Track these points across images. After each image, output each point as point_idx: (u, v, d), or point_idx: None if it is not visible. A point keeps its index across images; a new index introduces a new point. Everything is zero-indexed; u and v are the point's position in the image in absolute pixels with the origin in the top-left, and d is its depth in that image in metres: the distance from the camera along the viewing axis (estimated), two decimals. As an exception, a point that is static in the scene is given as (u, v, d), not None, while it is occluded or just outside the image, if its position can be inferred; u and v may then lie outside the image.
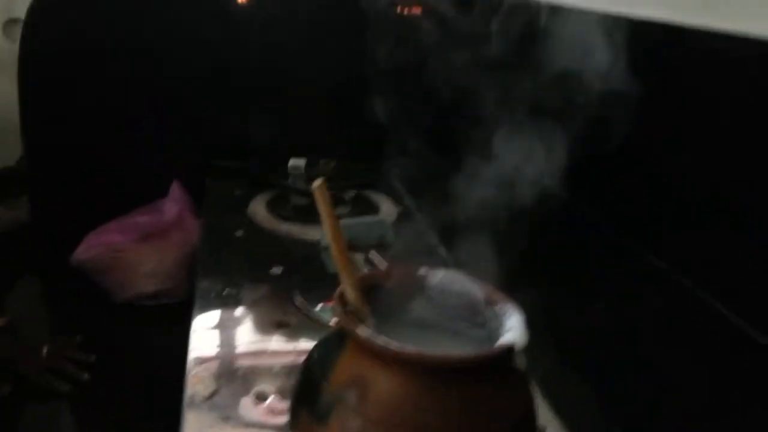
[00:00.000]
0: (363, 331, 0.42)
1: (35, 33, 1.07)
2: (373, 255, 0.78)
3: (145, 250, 0.99)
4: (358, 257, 0.79)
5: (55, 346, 0.85)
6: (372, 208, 0.98)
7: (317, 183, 0.44)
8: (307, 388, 0.46)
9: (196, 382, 0.55)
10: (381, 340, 0.41)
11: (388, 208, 1.00)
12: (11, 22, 1.61)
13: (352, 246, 0.84)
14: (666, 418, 0.53)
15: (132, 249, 0.99)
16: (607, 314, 0.66)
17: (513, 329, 0.44)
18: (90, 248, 1.00)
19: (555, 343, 0.68)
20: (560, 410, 0.57)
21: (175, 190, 1.07)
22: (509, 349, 0.42)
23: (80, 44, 1.08)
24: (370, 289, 0.50)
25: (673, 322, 0.54)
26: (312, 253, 0.83)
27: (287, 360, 0.60)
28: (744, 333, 0.46)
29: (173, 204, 1.05)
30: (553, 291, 0.80)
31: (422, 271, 0.52)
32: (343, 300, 0.45)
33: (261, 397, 0.55)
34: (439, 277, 0.52)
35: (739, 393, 0.46)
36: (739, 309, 0.47)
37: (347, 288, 0.46)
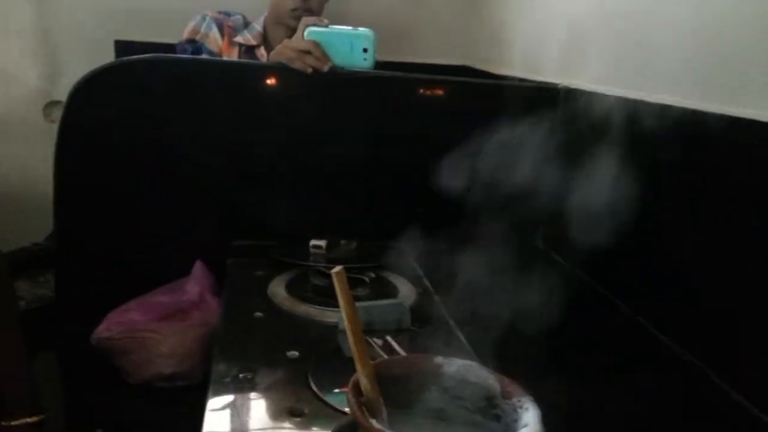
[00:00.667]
0: (375, 424, 0.41)
1: (75, 116, 1.12)
2: (390, 340, 0.77)
3: (165, 330, 0.99)
4: (376, 341, 0.79)
5: None
6: (391, 290, 0.98)
7: (336, 270, 0.45)
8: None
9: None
10: (392, 435, 0.40)
11: (407, 291, 0.99)
12: (51, 104, 1.70)
13: (370, 329, 0.84)
14: None
15: (152, 329, 0.99)
16: (629, 404, 0.64)
17: (529, 425, 0.43)
18: (110, 327, 1.00)
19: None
20: None
21: (198, 269, 1.08)
22: (526, 449, 0.41)
23: (115, 128, 1.14)
24: (385, 377, 0.49)
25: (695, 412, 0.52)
26: (329, 335, 0.83)
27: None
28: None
29: (195, 283, 1.06)
30: (575, 381, 0.78)
31: (438, 359, 0.51)
32: (356, 390, 0.45)
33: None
34: (455, 366, 0.51)
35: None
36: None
37: (362, 378, 0.45)
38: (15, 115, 1.69)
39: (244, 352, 0.78)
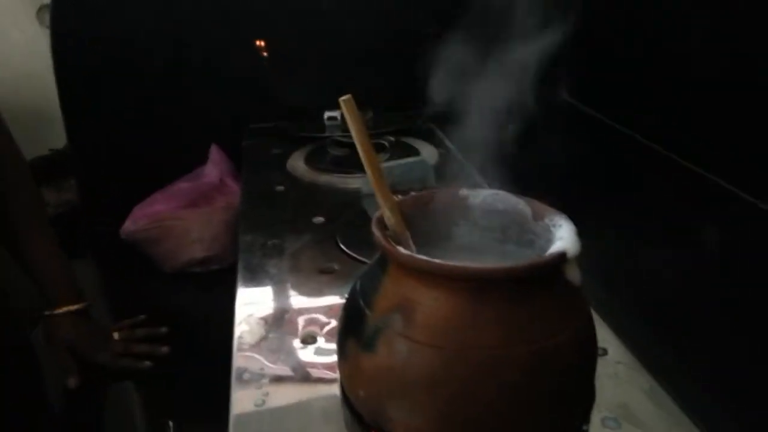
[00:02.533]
0: (403, 251, 0.39)
1: (63, 16, 1.07)
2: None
3: (191, 216, 0.99)
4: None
5: (125, 331, 0.82)
6: (412, 152, 0.95)
7: (344, 97, 0.42)
8: (353, 318, 0.44)
9: (244, 330, 0.55)
10: (422, 258, 0.38)
11: (428, 152, 0.97)
12: (44, 8, 1.63)
13: (393, 190, 0.81)
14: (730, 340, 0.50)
15: (177, 217, 0.99)
16: (669, 236, 0.62)
17: (564, 239, 0.41)
18: (137, 220, 1.01)
19: (610, 268, 0.64)
20: (620, 332, 0.53)
21: (214, 153, 1.06)
22: (561, 257, 0.39)
23: (112, 23, 1.09)
24: (409, 213, 0.47)
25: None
26: (353, 200, 0.81)
27: (333, 303, 0.58)
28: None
29: (213, 167, 1.04)
30: (607, 215, 0.75)
31: (463, 192, 0.49)
32: (381, 224, 0.43)
33: (309, 340, 0.53)
34: (481, 196, 0.49)
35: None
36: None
37: (386, 211, 0.43)
38: (12, 27, 1.63)
39: (270, 223, 0.77)
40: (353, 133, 0.41)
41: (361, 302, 0.43)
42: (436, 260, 0.38)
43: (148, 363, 0.77)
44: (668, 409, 0.45)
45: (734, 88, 0.53)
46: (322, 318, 0.57)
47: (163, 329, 0.83)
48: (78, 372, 0.75)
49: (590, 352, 0.44)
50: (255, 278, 0.64)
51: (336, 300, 0.59)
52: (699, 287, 0.54)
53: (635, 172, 0.72)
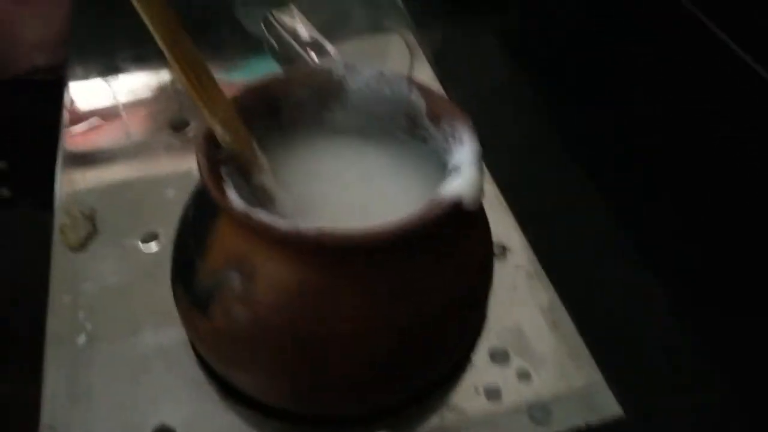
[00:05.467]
0: (237, 205, 0.28)
1: None
2: (292, 14, 0.58)
3: (21, 9, 0.78)
4: (289, 12, 0.60)
5: None
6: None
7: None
8: (182, 261, 0.33)
9: (66, 225, 0.43)
10: (263, 219, 0.27)
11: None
12: None
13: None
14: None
15: (9, 9, 0.78)
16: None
17: (462, 170, 0.30)
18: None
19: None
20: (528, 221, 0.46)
21: None
22: (452, 210, 0.29)
23: None
24: (260, 106, 0.34)
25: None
26: (224, 9, 0.64)
27: (184, 182, 0.46)
28: None
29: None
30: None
31: (338, 71, 0.36)
32: (208, 146, 0.30)
33: (148, 240, 0.43)
34: (362, 79, 0.36)
35: None
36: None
37: (215, 125, 0.30)
38: None
39: (109, 39, 0.59)
40: (144, 17, 0.26)
41: (191, 243, 0.32)
42: (282, 224, 0.27)
43: None
44: (567, 336, 0.39)
45: None
46: (168, 204, 0.45)
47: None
48: None
49: (479, 310, 0.37)
50: (85, 136, 0.50)
51: (187, 179, 0.47)
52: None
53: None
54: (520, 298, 0.41)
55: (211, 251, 0.30)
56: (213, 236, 0.30)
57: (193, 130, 0.50)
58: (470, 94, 0.58)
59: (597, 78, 0.61)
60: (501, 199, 0.46)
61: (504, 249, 0.44)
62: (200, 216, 0.32)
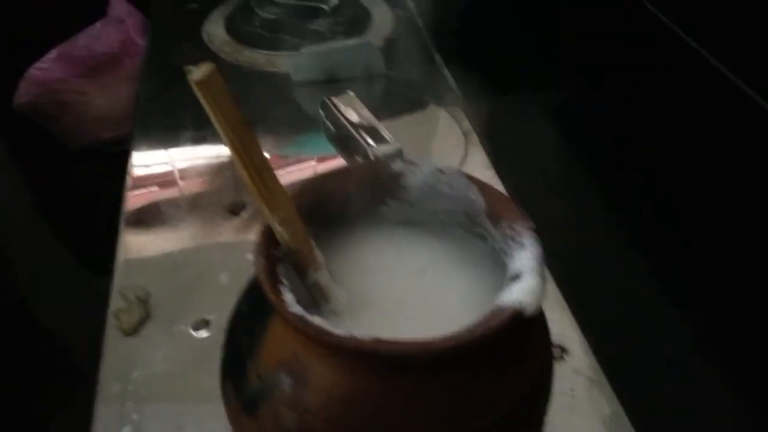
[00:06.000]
0: (292, 309, 0.27)
1: None
2: (352, 94, 0.59)
3: (92, 87, 0.82)
4: (336, 102, 0.61)
5: None
6: (361, 18, 0.77)
7: (200, 71, 0.26)
8: (233, 358, 0.33)
9: (121, 309, 0.43)
10: (318, 324, 0.26)
11: (382, 18, 0.78)
12: None
13: (333, 78, 0.66)
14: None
15: (75, 88, 0.82)
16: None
17: (524, 277, 0.29)
18: (30, 89, 0.83)
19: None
20: (589, 324, 0.43)
21: (117, 3, 0.86)
22: (514, 319, 0.27)
23: None
24: (317, 201, 0.34)
25: None
26: (280, 89, 0.66)
27: (238, 266, 0.46)
28: None
29: (116, 23, 0.85)
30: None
31: (397, 167, 0.35)
32: (266, 245, 0.30)
33: (200, 327, 0.42)
34: (421, 176, 0.35)
35: None
36: None
37: (274, 225, 0.30)
38: None
39: (171, 123, 0.62)
40: (217, 125, 0.26)
41: (243, 342, 0.31)
42: (336, 330, 0.26)
43: None
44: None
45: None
46: (221, 291, 0.44)
47: None
48: None
49: (536, 423, 0.34)
50: (143, 219, 0.51)
51: (242, 264, 0.47)
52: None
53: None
54: (579, 407, 0.38)
55: (263, 351, 0.29)
56: (266, 336, 0.29)
57: (249, 213, 0.51)
58: (522, 174, 0.57)
59: (655, 160, 0.60)
60: (558, 294, 0.44)
61: (562, 350, 0.41)
62: (254, 313, 0.31)
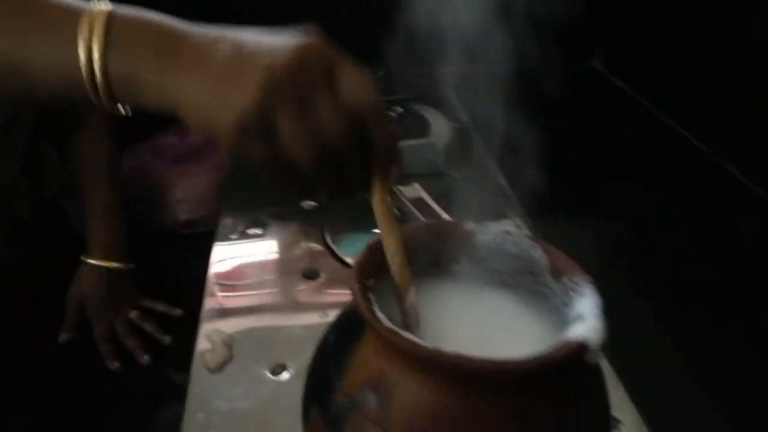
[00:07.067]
0: (386, 324, 0.32)
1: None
2: (419, 188, 0.66)
3: (176, 174, 0.91)
4: (402, 191, 0.68)
5: (141, 309, 0.74)
6: (422, 127, 0.86)
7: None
8: (319, 382, 0.37)
9: (207, 349, 0.48)
10: (408, 337, 0.31)
11: (441, 127, 0.87)
12: None
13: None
14: None
15: (164, 173, 0.91)
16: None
17: (585, 318, 0.33)
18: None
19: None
20: (642, 399, 0.46)
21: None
22: (579, 349, 0.31)
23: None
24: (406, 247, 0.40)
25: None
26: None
27: (312, 321, 0.51)
28: None
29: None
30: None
31: (469, 226, 0.41)
32: (361, 271, 0.35)
33: (277, 371, 0.47)
34: (490, 234, 0.40)
35: None
36: None
37: (392, 256, 0.36)
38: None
39: (254, 202, 0.69)
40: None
41: (331, 365, 0.36)
42: (428, 345, 0.30)
43: (146, 358, 0.68)
44: None
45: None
46: (296, 342, 0.49)
47: (178, 311, 0.75)
48: (72, 327, 0.70)
49: None
50: (228, 279, 0.57)
51: (315, 319, 0.52)
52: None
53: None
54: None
55: (350, 371, 0.33)
56: (354, 358, 0.34)
57: (323, 279, 0.56)
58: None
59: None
60: (611, 370, 0.47)
61: (616, 422, 0.44)
62: (343, 338, 0.36)
